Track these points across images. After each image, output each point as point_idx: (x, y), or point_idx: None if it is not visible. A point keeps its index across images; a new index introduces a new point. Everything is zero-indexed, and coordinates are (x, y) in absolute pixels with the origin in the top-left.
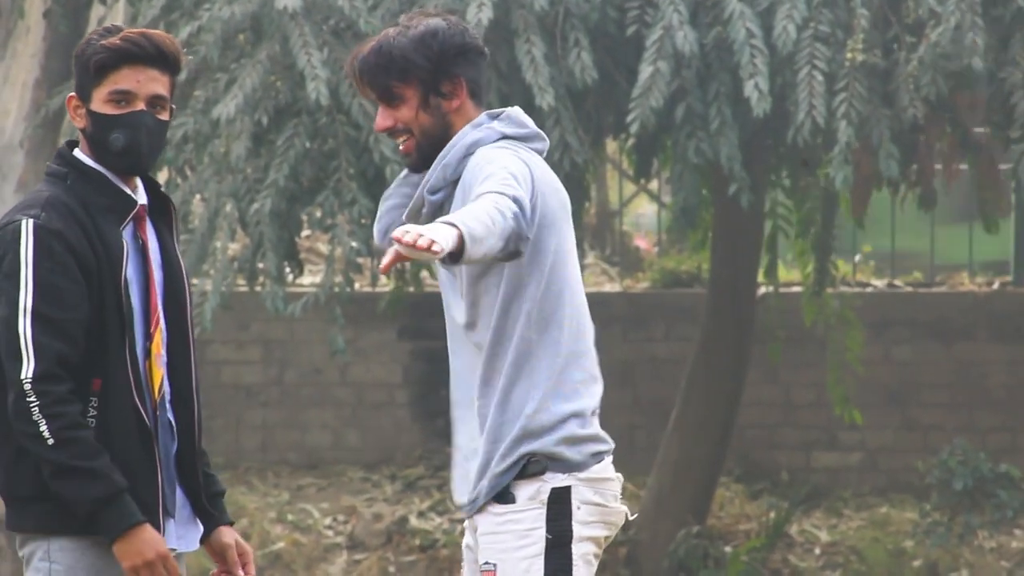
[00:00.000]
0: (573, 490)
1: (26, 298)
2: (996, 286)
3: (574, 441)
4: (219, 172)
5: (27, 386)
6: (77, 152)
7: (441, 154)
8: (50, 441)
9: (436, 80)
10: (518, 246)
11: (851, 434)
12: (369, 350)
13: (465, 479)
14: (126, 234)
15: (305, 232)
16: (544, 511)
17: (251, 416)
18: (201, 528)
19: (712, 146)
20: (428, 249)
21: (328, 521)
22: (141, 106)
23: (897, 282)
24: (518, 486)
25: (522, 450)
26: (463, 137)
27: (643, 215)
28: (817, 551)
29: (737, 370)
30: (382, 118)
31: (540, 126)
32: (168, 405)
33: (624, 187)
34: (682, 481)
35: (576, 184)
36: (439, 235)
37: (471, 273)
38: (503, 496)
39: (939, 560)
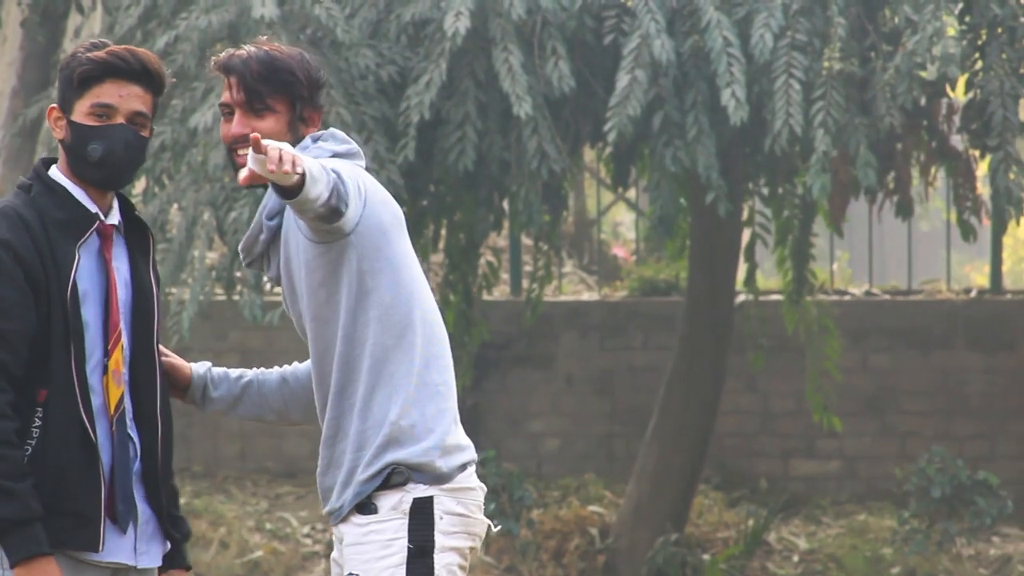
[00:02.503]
0: (436, 500)
1: None
2: (974, 294)
3: (442, 451)
4: (197, 181)
5: None
6: (53, 169)
7: None
8: None
9: (305, 105)
10: (339, 206)
11: (829, 442)
12: None
13: (327, 490)
14: (85, 249)
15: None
16: (406, 521)
17: (229, 424)
18: (166, 545)
19: (689, 155)
20: (292, 168)
21: (306, 529)
22: (121, 120)
23: (875, 290)
24: (380, 496)
25: (387, 459)
26: None
27: (621, 224)
28: (795, 559)
29: (715, 378)
30: (240, 125)
31: (518, 135)
32: (130, 422)
33: (602, 196)
34: (660, 489)
35: (554, 193)
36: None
37: (311, 282)
38: (365, 507)
39: (917, 567)
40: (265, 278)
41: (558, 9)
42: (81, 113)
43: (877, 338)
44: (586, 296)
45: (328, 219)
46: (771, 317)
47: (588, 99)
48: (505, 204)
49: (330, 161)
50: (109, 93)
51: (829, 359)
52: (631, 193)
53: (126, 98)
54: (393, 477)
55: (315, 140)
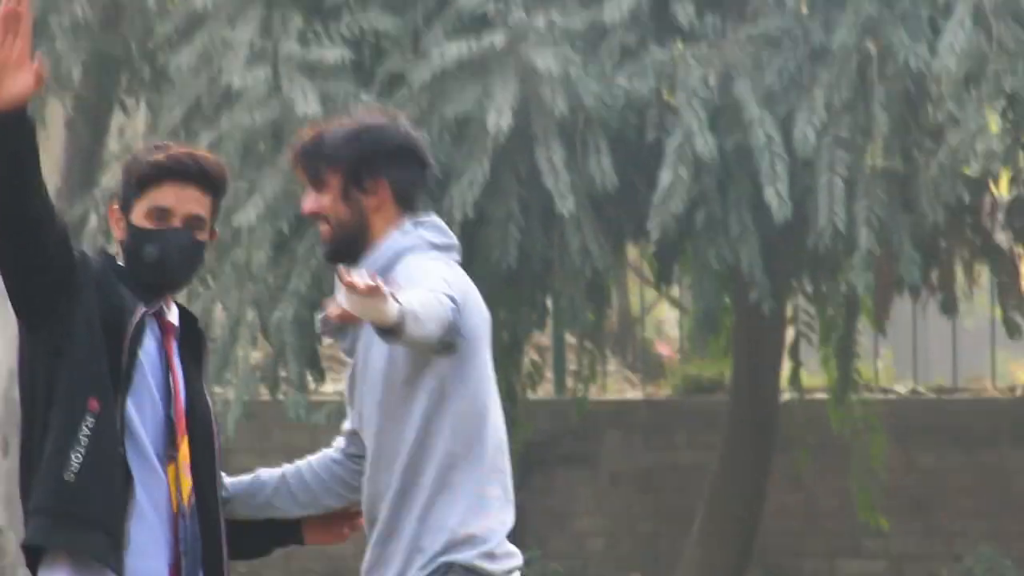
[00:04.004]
0: None
1: None
2: (1019, 392)
3: (492, 556)
4: (240, 280)
5: None
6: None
7: (371, 258)
8: None
9: (358, 174)
10: (453, 338)
11: (875, 541)
12: None
13: None
14: (149, 338)
15: (327, 340)
16: None
17: None
18: None
19: (733, 252)
20: (380, 293)
21: None
22: (178, 224)
23: (920, 388)
24: None
25: (443, 559)
26: (392, 243)
27: (665, 321)
28: None
29: (760, 477)
30: (308, 201)
31: (560, 232)
32: (196, 518)
33: (645, 293)
34: None
35: (597, 290)
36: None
37: (391, 375)
38: None
39: None
40: (341, 350)
41: (601, 106)
42: (139, 215)
43: (922, 437)
44: (630, 394)
45: (440, 352)
46: (815, 415)
47: (631, 196)
48: (548, 302)
49: (433, 264)
50: (166, 196)
51: (875, 457)
52: (675, 290)
53: (183, 201)
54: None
55: (416, 225)
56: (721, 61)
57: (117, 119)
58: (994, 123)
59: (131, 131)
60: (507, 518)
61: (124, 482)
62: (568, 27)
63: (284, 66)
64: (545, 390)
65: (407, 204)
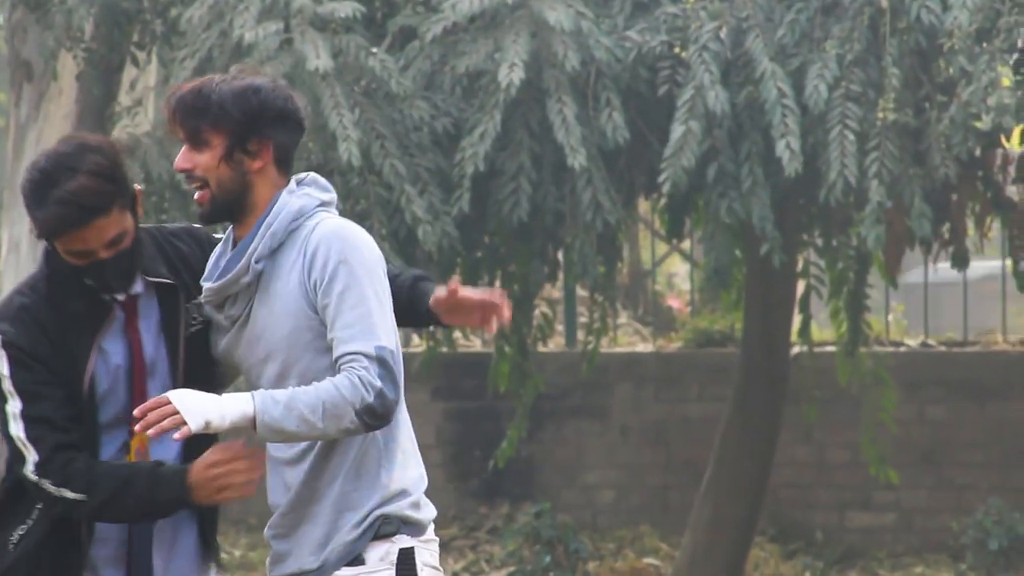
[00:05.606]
0: (416, 552)
1: (14, 406)
2: None
3: (418, 505)
4: None
5: (34, 477)
6: None
7: (265, 222)
8: (81, 498)
9: (245, 136)
10: (377, 423)
11: (885, 494)
12: None
13: (287, 552)
14: (108, 337)
15: None
16: (393, 572)
17: None
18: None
19: (744, 206)
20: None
21: None
22: (105, 255)
23: (931, 341)
24: (369, 547)
25: (376, 513)
26: (285, 205)
27: (676, 275)
28: None
29: (770, 430)
30: (183, 159)
31: (572, 186)
32: None
33: (656, 247)
34: (716, 541)
35: (608, 244)
36: (198, 412)
37: (290, 343)
38: (354, 559)
39: None
40: (222, 317)
41: (612, 60)
42: (61, 249)
43: (933, 389)
44: (641, 347)
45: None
46: (826, 368)
47: (642, 150)
48: (560, 255)
49: (356, 260)
50: (75, 241)
51: (884, 411)
52: (686, 244)
53: (98, 235)
54: (384, 528)
55: (299, 183)
56: (733, 15)
57: (128, 73)
58: (1006, 77)
59: (143, 85)
60: (422, 470)
61: (67, 547)
62: None
63: (296, 20)
64: (556, 343)
65: (286, 166)
